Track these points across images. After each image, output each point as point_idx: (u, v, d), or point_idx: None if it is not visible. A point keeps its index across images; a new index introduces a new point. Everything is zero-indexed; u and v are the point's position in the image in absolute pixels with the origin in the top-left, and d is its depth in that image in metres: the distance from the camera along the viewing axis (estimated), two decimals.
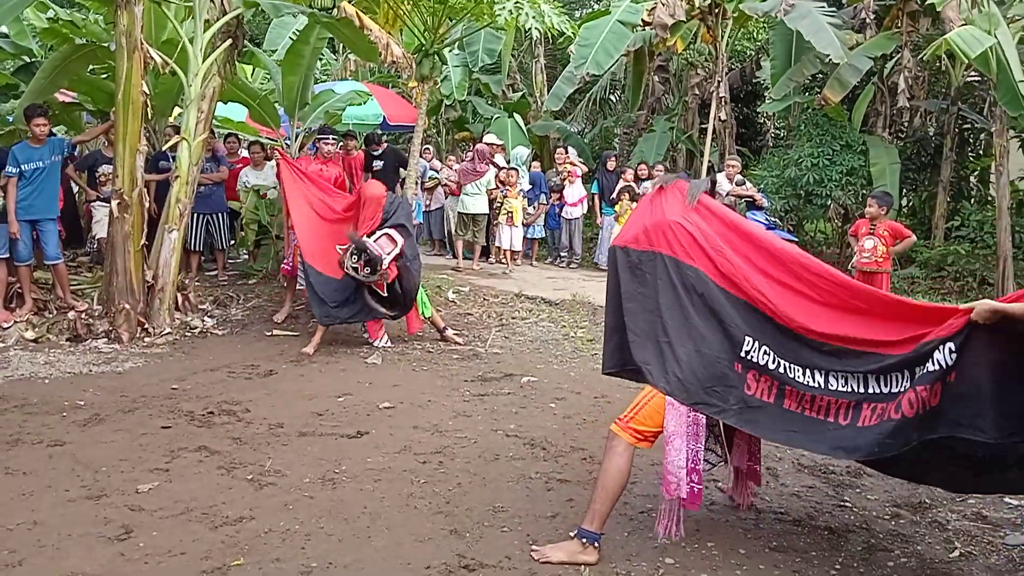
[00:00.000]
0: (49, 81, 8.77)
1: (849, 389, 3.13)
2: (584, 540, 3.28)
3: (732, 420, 3.28)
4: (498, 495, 4.00)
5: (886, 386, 3.06)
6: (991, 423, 2.76)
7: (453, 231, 11.79)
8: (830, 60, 10.73)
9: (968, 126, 12.21)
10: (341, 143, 9.54)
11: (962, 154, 12.31)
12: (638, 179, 11.48)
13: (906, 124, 12.63)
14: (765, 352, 3.23)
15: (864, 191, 11.40)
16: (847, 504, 4.04)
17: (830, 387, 3.16)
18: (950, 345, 2.84)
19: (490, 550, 3.42)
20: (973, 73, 11.35)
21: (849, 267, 8.13)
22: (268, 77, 14.71)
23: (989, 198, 12.18)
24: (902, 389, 3.00)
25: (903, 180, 11.71)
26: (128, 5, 6.85)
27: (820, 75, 12.26)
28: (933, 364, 2.87)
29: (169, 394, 5.57)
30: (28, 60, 12.07)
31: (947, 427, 2.85)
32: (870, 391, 3.10)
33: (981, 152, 12.65)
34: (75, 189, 9.78)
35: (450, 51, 11.56)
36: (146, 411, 5.18)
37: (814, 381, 3.19)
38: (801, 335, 3.22)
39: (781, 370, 3.22)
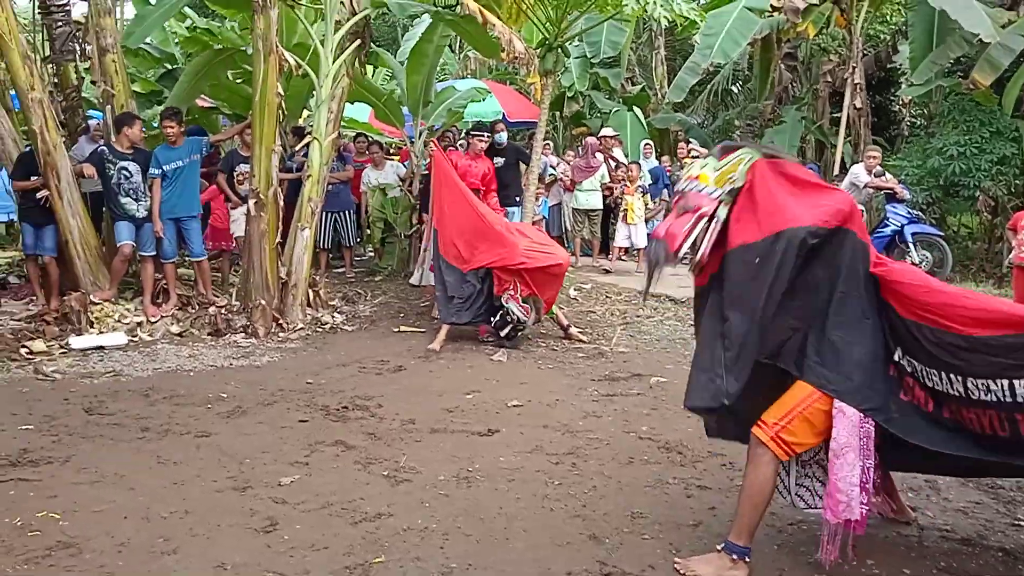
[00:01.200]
0: (191, 87, 9.20)
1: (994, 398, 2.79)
2: (734, 555, 3.09)
3: (897, 428, 3.02)
4: (635, 500, 3.87)
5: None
6: None
7: (570, 228, 11.69)
8: (979, 40, 10.00)
9: None
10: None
11: None
12: None
13: None
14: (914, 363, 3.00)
15: (1017, 181, 10.62)
16: (1021, 523, 3.69)
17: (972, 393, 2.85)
18: None
19: (631, 558, 3.30)
20: None
21: (1006, 263, 7.54)
22: (389, 77, 15.07)
23: None
24: None
25: None
26: (264, 9, 7.08)
27: (965, 58, 11.46)
28: None
29: (305, 388, 5.71)
30: (170, 67, 12.76)
31: None
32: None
33: None
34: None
35: (570, 44, 11.43)
36: (284, 404, 5.32)
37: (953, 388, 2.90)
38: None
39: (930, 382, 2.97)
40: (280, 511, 3.67)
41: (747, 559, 3.08)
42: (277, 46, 7.24)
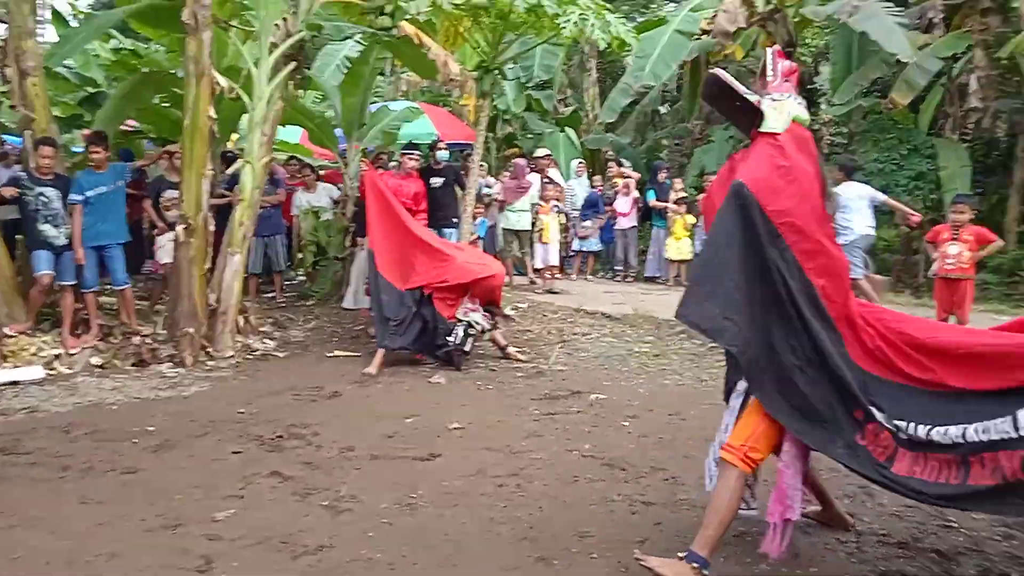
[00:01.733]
0: (117, 110, 8.93)
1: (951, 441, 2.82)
2: (695, 564, 3.06)
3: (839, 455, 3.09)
4: (582, 519, 3.83)
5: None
6: None
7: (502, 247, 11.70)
8: (897, 61, 10.41)
9: None
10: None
11: None
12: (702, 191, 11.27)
13: (972, 126, 12.18)
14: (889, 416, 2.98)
15: (932, 196, 11.05)
16: (953, 524, 3.78)
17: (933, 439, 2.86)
18: None
19: None
20: None
21: (929, 274, 7.80)
22: (320, 98, 14.89)
23: None
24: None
25: (972, 183, 11.30)
26: (196, 32, 6.90)
27: (882, 79, 11.93)
28: None
29: (237, 418, 5.52)
30: (92, 91, 12.37)
31: None
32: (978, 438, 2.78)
33: None
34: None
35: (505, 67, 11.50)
36: (215, 436, 5.13)
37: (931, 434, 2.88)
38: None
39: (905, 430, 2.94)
40: (215, 548, 3.51)
41: (706, 572, 3.05)
42: (209, 69, 7.06)
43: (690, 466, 4.45)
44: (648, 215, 12.10)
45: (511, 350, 7.33)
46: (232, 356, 7.31)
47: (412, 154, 8.80)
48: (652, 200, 11.79)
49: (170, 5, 7.78)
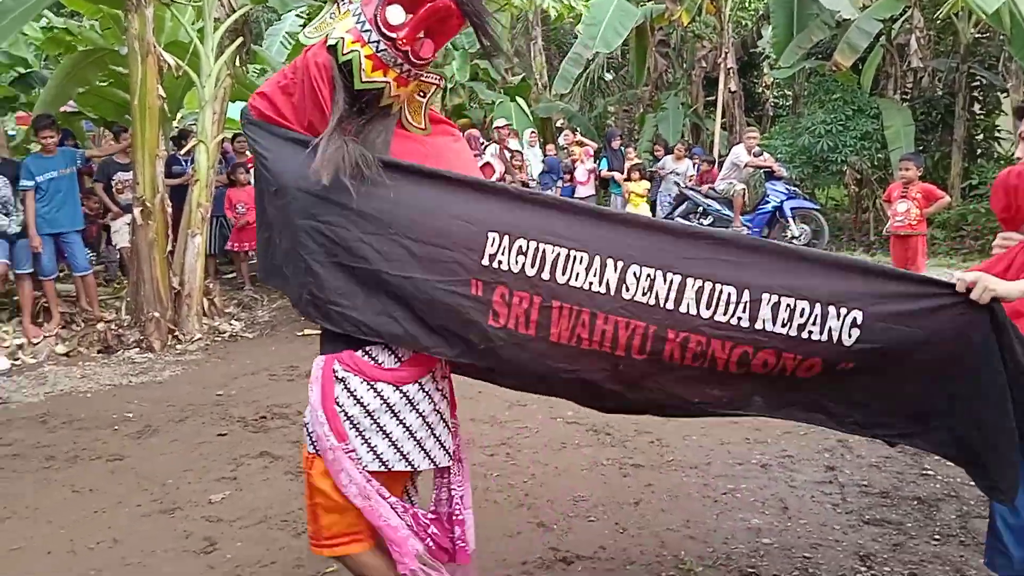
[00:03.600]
0: (59, 91, 8.61)
1: (664, 298, 1.97)
2: None
3: (475, 359, 2.06)
4: (575, 484, 3.93)
5: (737, 317, 1.97)
6: (869, 419, 2.17)
7: None
8: (840, 22, 10.63)
9: (977, 83, 12.14)
10: None
11: (971, 113, 12.25)
12: (655, 158, 11.41)
13: (912, 85, 12.55)
14: (522, 248, 1.98)
15: (879, 155, 11.38)
16: (929, 472, 3.99)
17: (627, 290, 1.97)
18: (856, 315, 1.97)
19: (582, 542, 3.35)
20: (979, 30, 11.29)
21: (884, 231, 8.07)
22: (259, 72, 14.57)
23: (997, 155, 12.14)
24: (762, 332, 1.98)
25: (915, 142, 11.66)
26: (139, 8, 6.70)
27: (824, 41, 12.17)
28: (821, 332, 1.98)
29: (216, 401, 5.48)
30: (23, 71, 11.90)
31: (802, 412, 2.17)
32: (703, 314, 1.98)
33: (991, 109, 12.58)
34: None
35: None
36: (197, 419, 5.09)
37: (603, 279, 1.98)
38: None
39: (550, 270, 1.98)
40: (217, 530, 3.52)
41: None
42: (155, 46, 6.88)
43: (673, 428, 4.59)
44: (605, 183, 12.21)
45: None
46: (201, 339, 7.22)
47: None
48: (605, 170, 11.89)
49: None
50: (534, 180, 11.99)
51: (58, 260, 7.35)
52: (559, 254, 1.99)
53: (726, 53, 12.02)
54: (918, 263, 7.35)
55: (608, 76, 18.71)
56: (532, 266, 2.00)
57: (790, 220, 10.34)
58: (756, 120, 16.03)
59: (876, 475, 3.98)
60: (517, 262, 1.99)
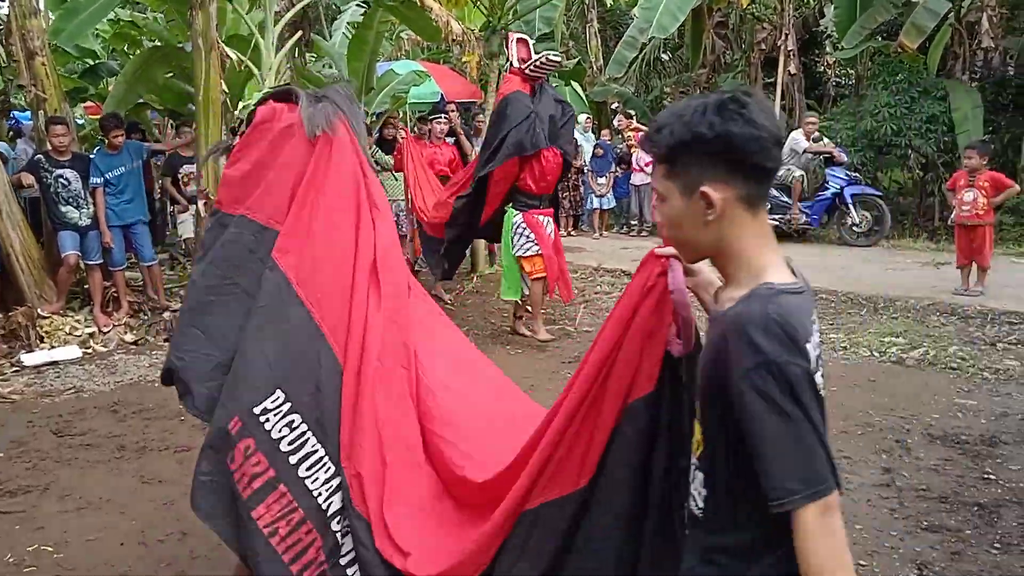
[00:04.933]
0: (129, 89, 8.90)
1: None
2: None
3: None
4: None
5: None
6: None
7: None
8: (906, 1, 10.32)
9: None
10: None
11: None
12: None
13: (980, 65, 12.11)
14: (292, 423, 2.18)
15: (946, 138, 11.04)
16: (991, 476, 3.91)
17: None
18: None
19: None
20: None
21: (949, 221, 7.86)
22: (317, 62, 14.78)
23: None
24: None
25: (984, 124, 11.28)
26: (203, 5, 6.86)
27: (887, 22, 11.81)
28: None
29: None
30: (93, 63, 12.28)
31: None
32: None
33: None
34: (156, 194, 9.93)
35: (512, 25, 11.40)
36: None
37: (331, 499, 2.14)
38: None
39: (299, 459, 2.16)
40: None
41: None
42: (218, 42, 7.04)
43: None
44: None
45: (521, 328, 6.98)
46: None
47: (439, 117, 8.56)
48: None
49: None
50: (587, 167, 11.95)
51: (126, 250, 7.60)
52: (317, 453, 2.16)
53: (786, 35, 11.76)
54: (985, 254, 7.15)
55: (665, 57, 18.47)
56: (288, 444, 2.15)
57: (851, 207, 10.11)
58: (817, 100, 15.65)
59: (935, 479, 3.91)
60: (279, 431, 2.15)
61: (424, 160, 7.60)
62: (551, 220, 6.49)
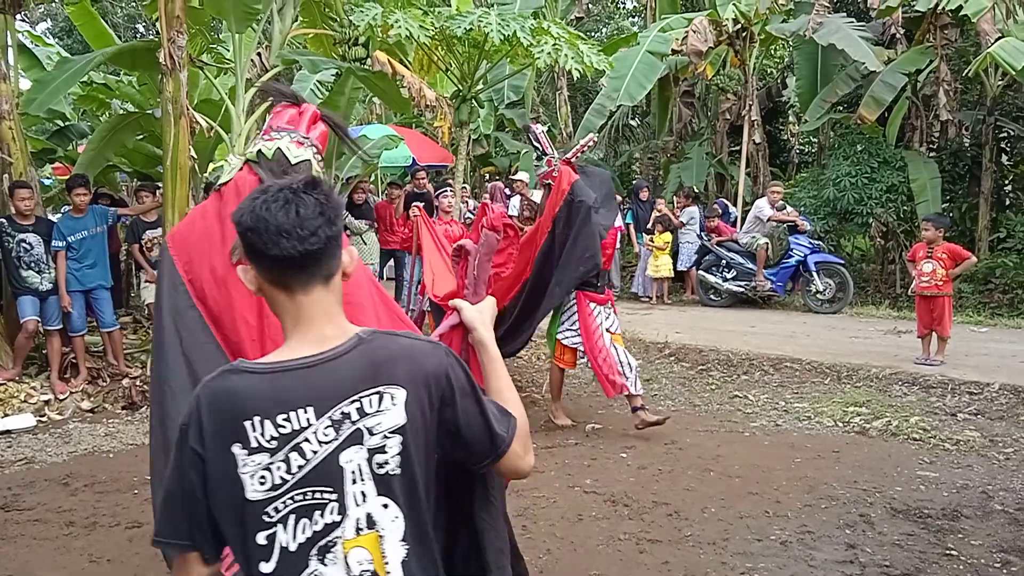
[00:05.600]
0: (98, 152, 8.90)
1: None
2: None
3: None
4: (591, 562, 3.89)
5: None
6: None
7: None
8: (865, 74, 10.69)
9: (1004, 135, 12.06)
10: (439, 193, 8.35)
11: (999, 164, 12.16)
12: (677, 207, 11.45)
13: (937, 136, 12.49)
14: None
15: (905, 207, 11.32)
16: (952, 552, 3.89)
17: None
18: None
19: None
20: (1007, 82, 11.25)
21: (910, 291, 7.99)
22: None
23: None
24: None
25: (942, 193, 11.58)
26: (174, 72, 6.90)
27: (848, 94, 12.20)
28: None
29: None
30: (61, 124, 12.27)
31: None
32: None
33: (1018, 160, 12.48)
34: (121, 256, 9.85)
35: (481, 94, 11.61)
36: None
37: None
38: None
39: None
40: None
41: None
42: (188, 108, 7.07)
43: (692, 500, 4.55)
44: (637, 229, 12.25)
45: None
46: None
47: (446, 191, 8.03)
48: (631, 223, 11.93)
49: (146, 47, 7.80)
50: None
51: (87, 315, 7.48)
52: None
53: (750, 105, 12.08)
54: (944, 324, 7.26)
55: (634, 123, 18.86)
56: None
57: (814, 274, 10.27)
58: (781, 167, 16.01)
59: (898, 554, 3.90)
60: None
61: (440, 238, 6.97)
62: (604, 308, 6.01)
